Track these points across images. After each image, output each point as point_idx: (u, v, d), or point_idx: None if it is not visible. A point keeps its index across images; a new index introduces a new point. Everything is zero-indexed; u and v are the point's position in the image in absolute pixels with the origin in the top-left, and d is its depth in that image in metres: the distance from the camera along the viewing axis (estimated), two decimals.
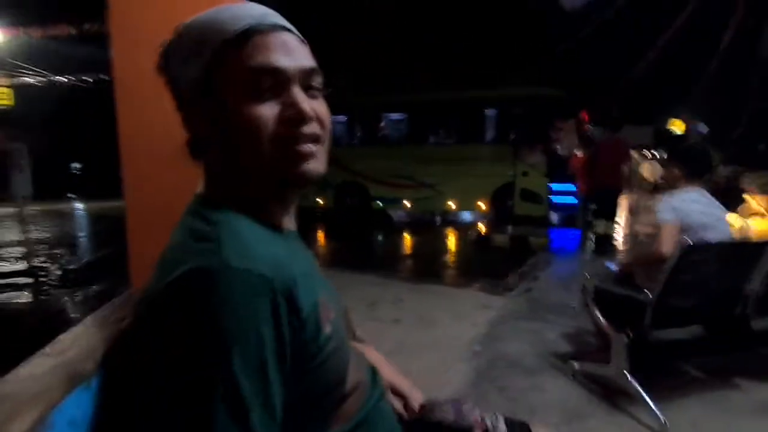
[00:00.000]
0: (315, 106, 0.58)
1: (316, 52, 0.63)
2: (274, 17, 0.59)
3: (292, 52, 0.57)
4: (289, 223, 0.63)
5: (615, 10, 10.45)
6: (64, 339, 0.53)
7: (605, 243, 6.00)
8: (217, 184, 0.59)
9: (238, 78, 0.55)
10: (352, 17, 12.22)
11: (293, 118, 0.55)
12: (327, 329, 0.55)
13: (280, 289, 0.48)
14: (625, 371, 2.01)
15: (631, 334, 2.00)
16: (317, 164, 0.58)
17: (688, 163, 2.28)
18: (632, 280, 2.20)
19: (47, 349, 0.51)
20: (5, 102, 17.65)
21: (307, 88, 0.58)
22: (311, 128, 0.57)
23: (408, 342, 2.92)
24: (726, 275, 2.02)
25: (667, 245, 2.02)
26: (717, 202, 2.27)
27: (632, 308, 2.09)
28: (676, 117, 6.77)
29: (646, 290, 1.93)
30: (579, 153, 7.66)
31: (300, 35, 0.61)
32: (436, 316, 3.41)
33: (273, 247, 0.54)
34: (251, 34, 0.55)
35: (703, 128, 5.99)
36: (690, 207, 2.14)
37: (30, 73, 16.50)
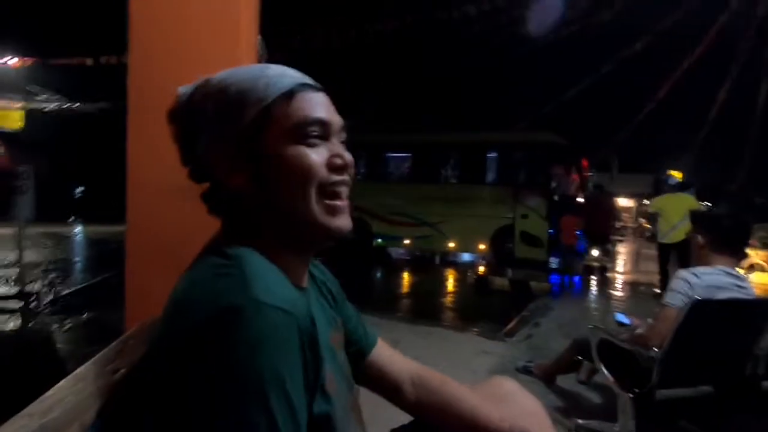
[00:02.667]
0: (347, 157, 0.64)
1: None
2: (310, 79, 0.64)
3: (330, 109, 0.64)
4: (305, 281, 0.64)
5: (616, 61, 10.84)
6: (49, 397, 0.49)
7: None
8: (240, 234, 0.59)
9: (289, 130, 0.59)
10: (357, 57, 12.64)
11: (338, 165, 0.61)
12: (332, 398, 0.54)
13: (303, 326, 0.49)
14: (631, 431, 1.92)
15: (637, 392, 1.92)
16: (347, 220, 0.63)
17: (714, 233, 1.98)
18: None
19: (30, 409, 0.47)
20: (16, 125, 17.99)
21: (340, 140, 0.64)
22: (348, 175, 0.63)
23: None
24: (736, 334, 1.96)
25: (657, 335, 1.86)
26: (747, 282, 1.97)
27: (639, 365, 2.03)
28: (675, 168, 6.90)
29: (654, 347, 1.87)
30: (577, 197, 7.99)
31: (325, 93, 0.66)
32: (433, 360, 3.30)
33: (295, 290, 0.54)
34: (298, 91, 0.61)
35: (673, 180, 6.13)
36: (706, 284, 1.88)
37: (42, 98, 16.88)
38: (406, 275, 8.40)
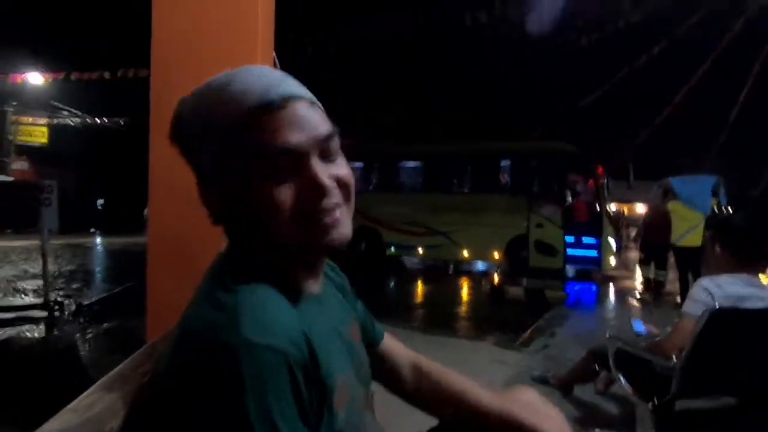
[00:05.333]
0: (335, 171, 0.57)
1: (334, 101, 0.61)
2: (279, 85, 0.55)
3: (304, 125, 0.55)
4: (315, 286, 0.62)
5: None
6: (89, 395, 0.53)
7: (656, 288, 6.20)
8: (240, 246, 0.59)
9: (253, 160, 0.53)
10: (370, 66, 12.75)
11: (314, 195, 0.54)
12: (341, 414, 0.53)
13: (296, 359, 0.47)
14: None
15: (656, 402, 1.89)
16: (342, 229, 0.57)
17: (735, 241, 1.92)
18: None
19: (74, 405, 0.50)
20: (41, 140, 18.62)
21: (326, 155, 0.57)
22: (332, 199, 0.56)
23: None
24: (759, 344, 1.91)
25: (675, 345, 1.83)
26: None
27: (658, 375, 1.99)
28: (694, 174, 6.78)
29: (673, 357, 1.85)
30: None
31: (310, 96, 0.58)
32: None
33: (293, 315, 0.52)
34: (259, 113, 0.53)
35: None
36: (728, 294, 1.81)
37: (65, 113, 17.44)
38: (419, 285, 8.38)
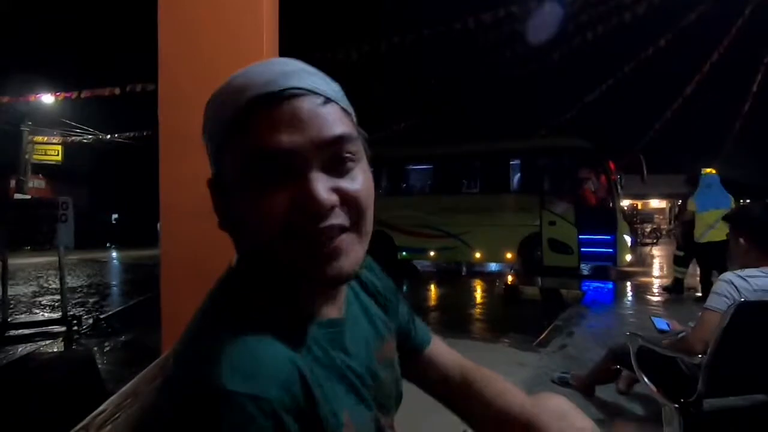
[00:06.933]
0: (344, 185, 0.48)
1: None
2: (286, 77, 0.47)
3: (304, 125, 0.46)
4: (332, 310, 0.54)
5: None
6: (102, 411, 0.52)
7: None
8: (246, 258, 0.53)
9: (242, 165, 0.47)
10: (379, 67, 12.77)
11: (305, 210, 0.45)
12: None
13: (287, 406, 0.42)
14: None
15: (682, 402, 1.83)
16: (343, 262, 0.47)
17: (753, 233, 1.88)
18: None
19: (86, 422, 0.49)
20: (55, 158, 19.01)
21: (334, 164, 0.48)
22: (333, 219, 0.46)
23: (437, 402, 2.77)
24: None
25: (700, 340, 1.77)
26: None
27: (683, 373, 1.93)
28: (708, 166, 6.63)
29: (698, 353, 1.79)
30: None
31: (328, 91, 0.49)
32: None
33: (284, 354, 0.45)
34: (254, 108, 0.46)
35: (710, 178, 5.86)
36: (755, 287, 1.77)
37: (78, 131, 17.79)
38: (433, 287, 8.33)
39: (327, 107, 0.48)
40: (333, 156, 0.47)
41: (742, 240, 1.91)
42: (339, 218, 0.47)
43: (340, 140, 0.47)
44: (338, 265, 0.47)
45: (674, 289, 6.44)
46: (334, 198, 0.46)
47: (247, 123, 0.46)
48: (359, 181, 0.49)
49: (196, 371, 0.42)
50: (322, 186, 0.46)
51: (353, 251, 0.49)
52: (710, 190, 5.62)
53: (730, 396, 1.94)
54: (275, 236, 0.46)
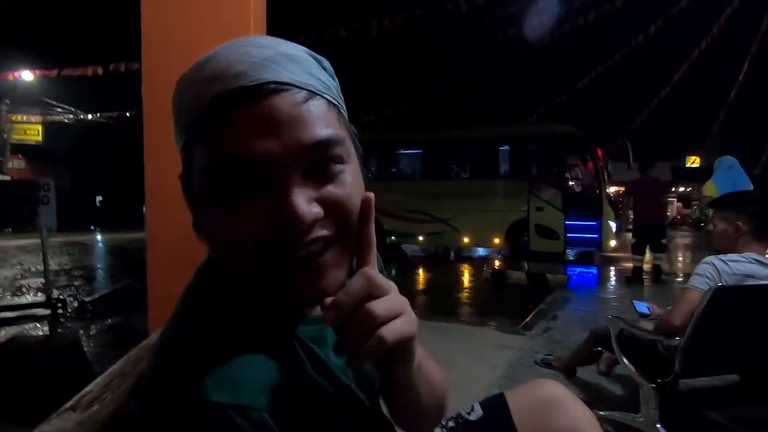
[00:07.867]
0: (329, 191, 0.42)
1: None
2: (261, 68, 0.40)
3: (281, 128, 0.39)
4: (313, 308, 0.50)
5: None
6: (89, 392, 0.52)
7: (655, 273, 6.09)
8: (215, 264, 0.49)
9: (206, 174, 0.41)
10: (367, 54, 12.63)
11: (281, 225, 0.39)
12: None
13: (273, 412, 0.40)
14: (655, 422, 1.90)
15: (659, 382, 1.90)
16: (330, 278, 0.43)
17: (758, 219, 1.89)
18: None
19: (73, 402, 0.50)
20: (35, 138, 18.53)
21: (317, 170, 0.42)
22: (316, 232, 0.41)
23: None
24: (764, 320, 1.92)
25: (679, 317, 1.82)
26: None
27: (661, 354, 2.00)
28: (693, 153, 6.68)
29: (676, 332, 1.85)
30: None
31: (306, 84, 0.42)
32: (452, 356, 3.31)
33: (270, 357, 0.43)
34: (224, 106, 0.39)
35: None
36: (735, 271, 1.81)
37: (59, 111, 17.32)
38: (421, 272, 8.40)
39: (309, 104, 0.41)
40: (316, 162, 0.41)
41: (740, 223, 1.94)
42: (324, 230, 0.42)
43: (324, 145, 0.41)
44: (320, 285, 0.42)
45: (635, 277, 6.35)
46: (316, 210, 0.41)
47: (212, 126, 0.40)
48: (347, 184, 0.44)
49: (179, 383, 0.39)
50: (302, 198, 0.40)
51: (338, 267, 0.44)
52: (732, 171, 5.47)
53: (705, 376, 2.01)
54: (248, 260, 0.41)
